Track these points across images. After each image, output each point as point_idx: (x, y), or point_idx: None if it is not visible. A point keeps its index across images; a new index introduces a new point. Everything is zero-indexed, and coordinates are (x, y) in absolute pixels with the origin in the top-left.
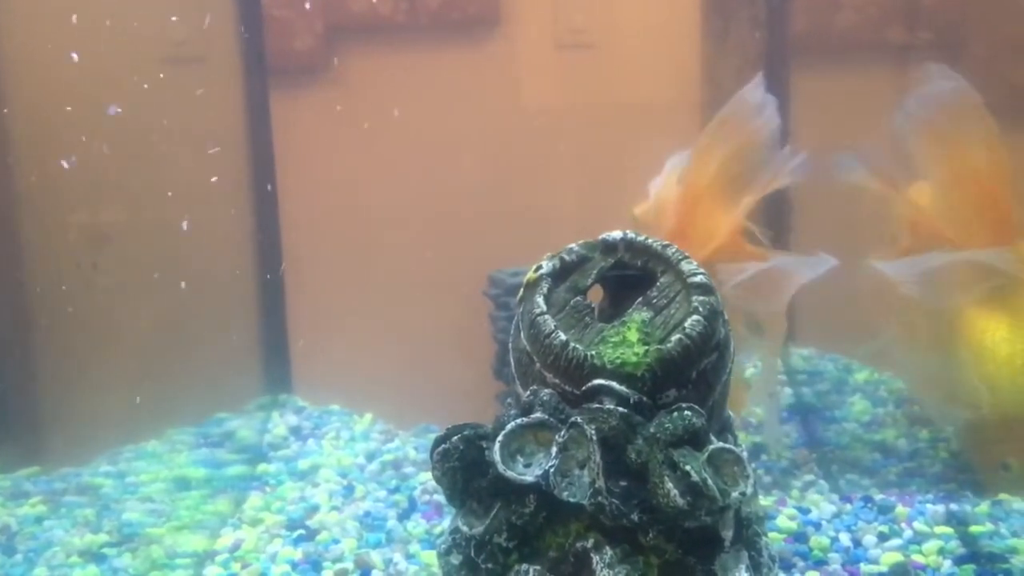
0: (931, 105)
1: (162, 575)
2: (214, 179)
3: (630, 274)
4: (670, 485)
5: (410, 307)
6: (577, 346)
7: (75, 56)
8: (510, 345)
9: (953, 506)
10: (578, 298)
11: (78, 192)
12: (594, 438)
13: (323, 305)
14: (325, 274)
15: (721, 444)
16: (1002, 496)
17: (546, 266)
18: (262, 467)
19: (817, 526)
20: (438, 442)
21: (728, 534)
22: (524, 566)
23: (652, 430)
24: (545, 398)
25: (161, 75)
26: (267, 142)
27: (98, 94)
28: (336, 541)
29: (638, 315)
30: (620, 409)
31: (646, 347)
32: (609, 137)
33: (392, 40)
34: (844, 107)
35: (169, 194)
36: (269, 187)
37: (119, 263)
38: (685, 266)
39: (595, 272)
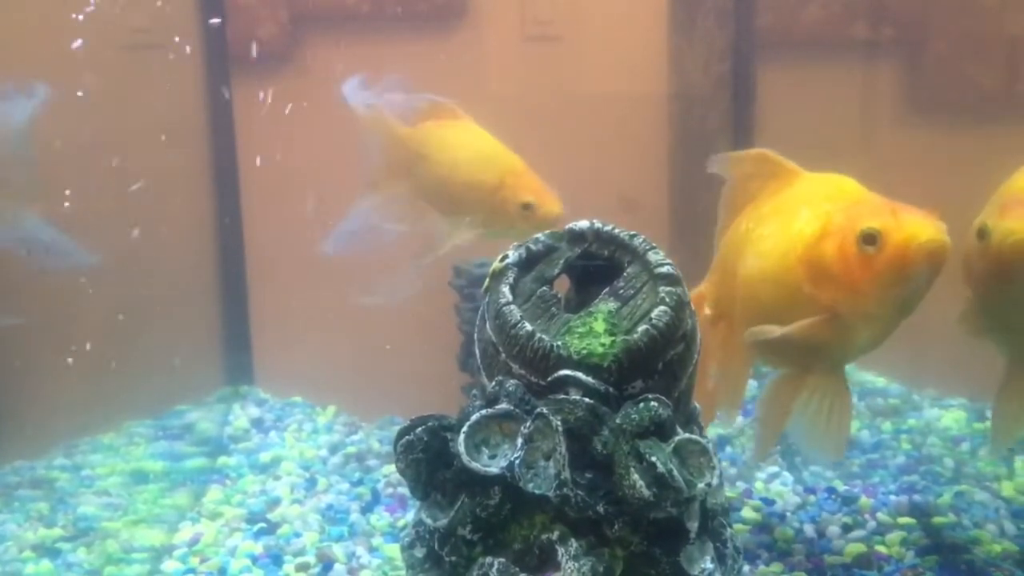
0: None
1: (118, 570)
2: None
3: (597, 264)
4: (636, 476)
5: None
6: (543, 336)
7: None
8: (475, 335)
9: (916, 497)
10: (544, 288)
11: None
12: (560, 429)
13: (286, 295)
14: (288, 263)
15: (687, 435)
16: (963, 487)
17: (512, 255)
18: (222, 460)
19: (781, 517)
20: (402, 433)
21: (693, 525)
22: (488, 559)
23: (618, 421)
24: (511, 389)
25: (120, 62)
26: (229, 131)
27: (54, 79)
28: (298, 535)
29: (604, 305)
30: (586, 400)
31: (612, 338)
32: (576, 128)
33: (358, 30)
34: (809, 101)
35: (128, 182)
36: (230, 178)
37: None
38: (652, 256)
39: (562, 262)
